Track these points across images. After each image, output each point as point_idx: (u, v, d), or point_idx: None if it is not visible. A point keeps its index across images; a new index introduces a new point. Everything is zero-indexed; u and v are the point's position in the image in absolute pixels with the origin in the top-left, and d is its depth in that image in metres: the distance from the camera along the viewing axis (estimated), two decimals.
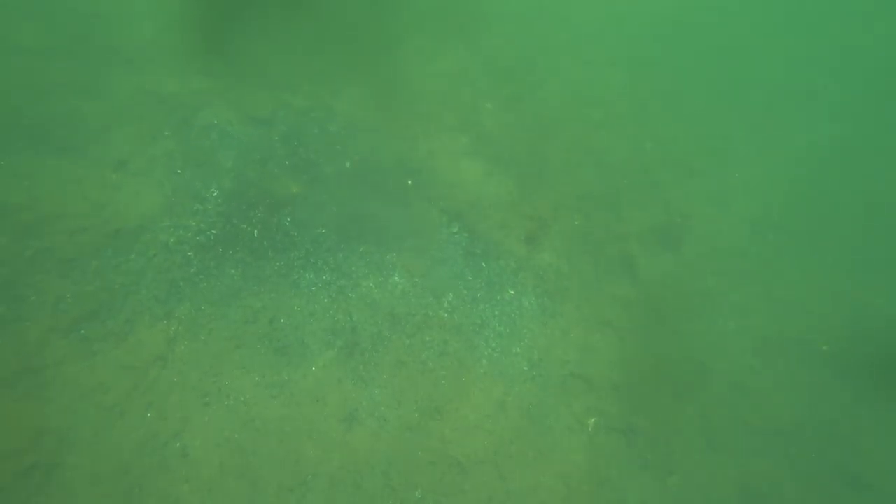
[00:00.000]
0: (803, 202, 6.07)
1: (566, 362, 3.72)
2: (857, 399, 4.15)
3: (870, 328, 4.76)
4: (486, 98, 5.91)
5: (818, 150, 7.00)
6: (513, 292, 4.02)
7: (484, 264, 4.14)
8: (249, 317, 3.27)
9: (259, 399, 2.95)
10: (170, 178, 3.80)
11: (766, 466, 3.57)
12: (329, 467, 2.81)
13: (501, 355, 3.62)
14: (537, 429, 3.32)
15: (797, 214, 5.85)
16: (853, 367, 4.38)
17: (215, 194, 3.84)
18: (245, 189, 3.97)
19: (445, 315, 3.71)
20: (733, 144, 6.64)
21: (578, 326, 3.98)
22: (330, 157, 4.51)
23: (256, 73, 5.03)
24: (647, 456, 3.40)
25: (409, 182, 4.45)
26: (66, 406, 2.62)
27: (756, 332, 4.43)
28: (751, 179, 6.14)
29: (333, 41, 5.88)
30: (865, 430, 3.95)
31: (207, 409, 2.82)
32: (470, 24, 7.02)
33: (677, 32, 8.43)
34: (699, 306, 4.50)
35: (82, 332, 2.87)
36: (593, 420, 3.47)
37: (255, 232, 3.72)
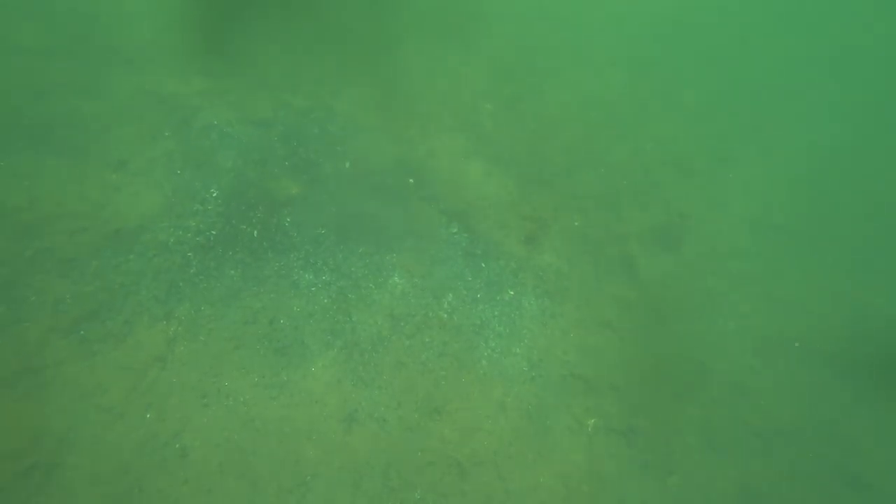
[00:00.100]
0: (803, 202, 6.07)
1: (566, 363, 3.72)
2: (857, 399, 4.15)
3: (870, 328, 4.76)
4: (486, 98, 5.91)
5: (818, 150, 7.00)
6: (512, 293, 4.02)
7: (483, 265, 4.14)
8: (249, 317, 3.27)
9: (258, 400, 2.95)
10: (169, 179, 3.80)
11: (766, 466, 3.56)
12: (328, 468, 2.81)
13: (501, 356, 3.62)
14: (537, 429, 3.32)
15: (797, 214, 5.85)
16: (853, 367, 4.38)
17: (215, 195, 3.84)
18: (245, 189, 3.97)
19: (445, 315, 3.71)
20: (733, 144, 6.63)
21: (578, 327, 3.98)
22: (330, 157, 4.51)
23: (256, 73, 5.03)
24: (646, 456, 3.39)
25: (411, 180, 4.44)
26: (65, 406, 2.62)
27: (756, 332, 4.43)
28: (751, 179, 6.14)
29: (333, 41, 5.88)
30: (865, 431, 3.95)
31: (207, 410, 2.82)
32: (470, 24, 7.02)
33: (677, 32, 8.43)
34: (699, 306, 4.50)
35: (82, 332, 2.87)
36: (593, 420, 3.47)
37: (255, 232, 3.72)
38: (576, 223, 4.79)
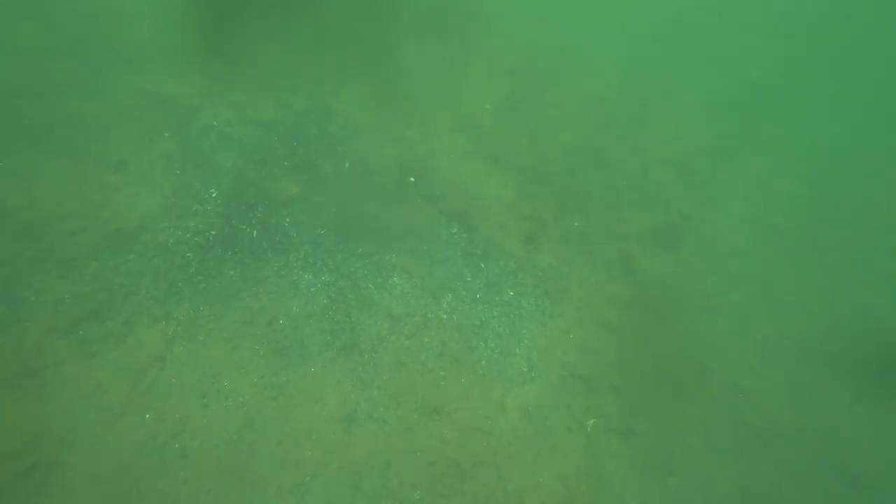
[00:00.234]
0: (803, 202, 6.07)
1: (565, 363, 3.72)
2: (857, 399, 4.14)
3: (870, 328, 4.75)
4: (486, 98, 5.91)
5: (818, 150, 7.00)
6: (512, 293, 4.02)
7: (483, 265, 4.14)
8: (248, 318, 3.27)
9: (258, 400, 2.95)
10: (169, 179, 3.80)
11: (766, 467, 3.56)
12: (328, 468, 2.81)
13: (501, 356, 3.62)
14: (536, 430, 3.32)
15: (797, 214, 5.85)
16: (853, 367, 4.38)
17: (214, 195, 3.84)
18: (244, 190, 3.97)
19: (444, 316, 3.71)
20: (733, 145, 6.63)
21: (578, 327, 3.98)
22: (329, 157, 4.51)
23: (256, 73, 5.04)
24: (646, 456, 3.39)
25: (411, 180, 4.44)
26: (65, 406, 2.62)
27: (756, 333, 4.43)
28: (750, 179, 6.14)
29: (333, 41, 5.88)
30: (865, 431, 3.95)
31: (206, 410, 2.82)
32: (470, 25, 7.02)
33: (677, 32, 8.43)
34: (699, 306, 4.50)
35: (81, 332, 2.87)
36: (593, 421, 3.47)
37: (255, 233, 3.72)
38: (576, 223, 4.79)
